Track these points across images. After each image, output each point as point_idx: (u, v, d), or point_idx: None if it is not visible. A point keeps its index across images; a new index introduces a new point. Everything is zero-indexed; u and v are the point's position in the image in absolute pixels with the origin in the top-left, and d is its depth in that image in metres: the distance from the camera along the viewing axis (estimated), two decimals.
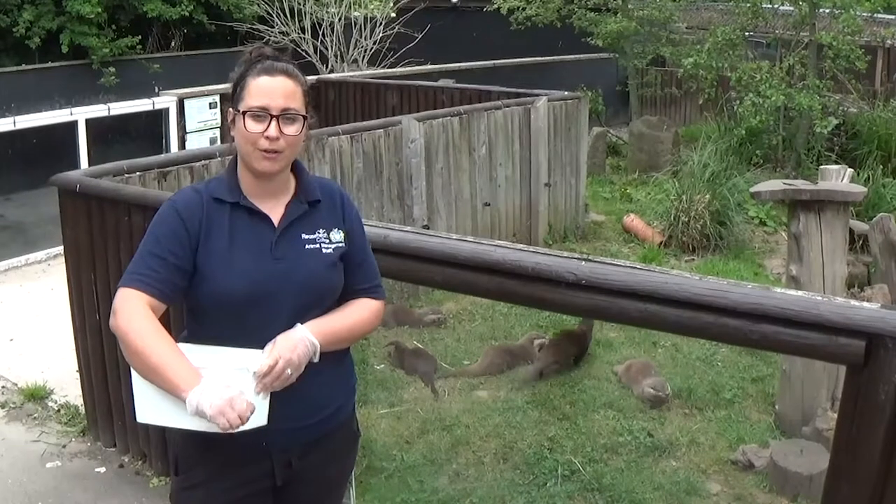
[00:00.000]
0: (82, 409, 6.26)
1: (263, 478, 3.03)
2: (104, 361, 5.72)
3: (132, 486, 5.59)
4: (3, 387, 6.95)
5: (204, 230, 2.90)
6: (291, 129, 2.88)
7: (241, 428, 2.68)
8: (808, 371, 6.31)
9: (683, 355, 7.85)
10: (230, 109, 2.95)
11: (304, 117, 2.92)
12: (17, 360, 7.44)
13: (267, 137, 2.83)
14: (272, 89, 2.85)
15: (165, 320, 2.87)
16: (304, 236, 2.98)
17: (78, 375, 6.11)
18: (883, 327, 2.81)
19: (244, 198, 2.95)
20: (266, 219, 2.95)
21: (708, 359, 7.76)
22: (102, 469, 5.79)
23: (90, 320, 5.73)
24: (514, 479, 5.87)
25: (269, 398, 2.80)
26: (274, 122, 2.84)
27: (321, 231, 3.01)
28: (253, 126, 2.84)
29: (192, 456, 2.96)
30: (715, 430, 6.54)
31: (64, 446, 6.07)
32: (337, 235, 3.03)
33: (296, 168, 3.05)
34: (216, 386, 2.66)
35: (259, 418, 2.77)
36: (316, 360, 2.89)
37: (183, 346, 2.83)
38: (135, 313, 2.79)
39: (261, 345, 2.83)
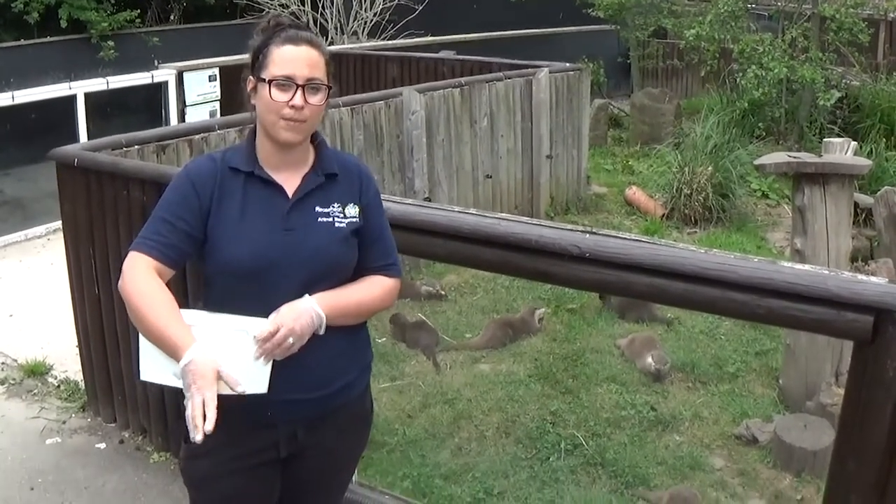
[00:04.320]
0: (82, 385, 6.24)
1: (269, 449, 3.03)
2: (103, 336, 5.69)
3: (132, 461, 5.57)
4: (2, 363, 6.93)
5: (216, 199, 2.90)
6: (315, 99, 2.87)
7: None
8: (811, 345, 6.30)
9: (687, 329, 7.83)
10: (250, 77, 2.93)
11: (328, 87, 2.92)
12: (17, 335, 7.42)
13: (292, 107, 2.82)
14: (297, 58, 2.84)
15: (184, 290, 2.84)
16: (318, 209, 2.96)
17: (77, 351, 6.08)
18: (891, 302, 2.77)
19: (259, 168, 2.94)
20: (280, 189, 2.94)
21: (711, 332, 7.74)
22: (103, 445, 5.77)
23: (89, 295, 5.69)
24: (516, 453, 5.87)
25: (269, 366, 2.79)
26: (299, 92, 2.83)
27: (336, 205, 2.98)
28: (278, 95, 2.82)
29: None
30: (718, 404, 6.54)
31: (64, 422, 6.05)
32: (352, 210, 3.01)
33: (316, 140, 3.04)
34: (208, 366, 2.65)
35: (259, 385, 2.77)
36: (321, 332, 2.88)
37: (187, 311, 2.84)
38: (140, 277, 2.80)
39: (269, 315, 2.82)
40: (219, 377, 2.67)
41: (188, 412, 2.61)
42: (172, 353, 2.70)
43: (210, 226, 2.88)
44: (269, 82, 2.83)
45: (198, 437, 2.57)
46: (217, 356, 2.69)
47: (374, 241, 3.08)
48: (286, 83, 2.82)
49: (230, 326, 2.80)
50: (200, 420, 2.58)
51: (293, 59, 2.84)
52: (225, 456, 2.99)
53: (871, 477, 2.90)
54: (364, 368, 3.22)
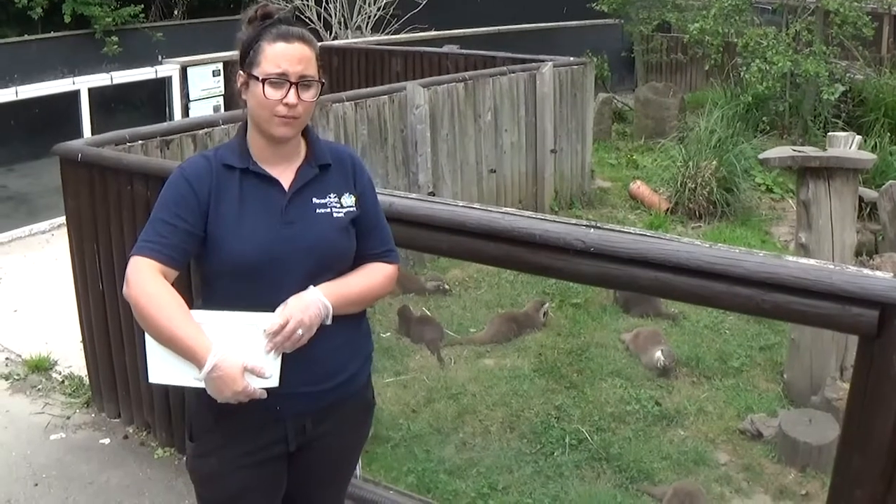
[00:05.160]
0: (86, 380, 6.24)
1: (277, 443, 3.04)
2: (108, 331, 5.69)
3: (136, 456, 5.57)
4: (7, 358, 6.92)
5: (214, 196, 2.89)
6: (308, 95, 2.86)
7: (257, 386, 2.74)
8: (816, 340, 6.29)
9: (691, 323, 7.82)
10: (240, 72, 2.92)
11: (321, 83, 2.91)
12: (21, 331, 7.42)
13: (286, 104, 2.82)
14: (290, 56, 2.83)
15: (188, 288, 2.85)
16: (315, 200, 2.96)
17: (82, 346, 6.08)
18: None
19: (254, 163, 2.94)
20: (276, 183, 2.94)
21: (715, 327, 7.74)
22: (107, 440, 5.77)
23: (93, 290, 5.69)
24: (520, 448, 5.87)
25: (280, 360, 2.81)
26: (293, 89, 2.82)
27: (332, 195, 2.99)
28: (272, 93, 2.82)
29: (207, 422, 2.98)
30: (723, 398, 6.53)
31: (68, 418, 6.05)
32: (348, 200, 3.01)
33: (307, 133, 3.04)
34: (235, 368, 2.72)
35: (270, 380, 2.79)
36: (328, 322, 2.89)
37: (196, 312, 2.84)
38: (146, 281, 2.79)
39: (273, 309, 2.83)
40: (244, 371, 2.72)
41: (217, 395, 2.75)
42: (190, 357, 2.72)
43: (209, 223, 2.88)
44: (263, 81, 2.82)
45: (276, 382, 2.81)
46: (236, 352, 2.72)
47: (370, 228, 3.09)
48: (279, 81, 2.82)
49: (239, 322, 2.80)
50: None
51: (286, 56, 2.83)
52: (234, 453, 3.01)
53: (877, 472, 2.89)
54: (366, 358, 3.23)
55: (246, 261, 2.86)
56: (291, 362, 2.83)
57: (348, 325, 3.03)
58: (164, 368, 2.80)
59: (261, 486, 3.10)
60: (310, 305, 2.84)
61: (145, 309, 2.75)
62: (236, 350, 2.73)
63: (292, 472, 3.17)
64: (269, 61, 2.82)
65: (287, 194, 2.93)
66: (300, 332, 2.80)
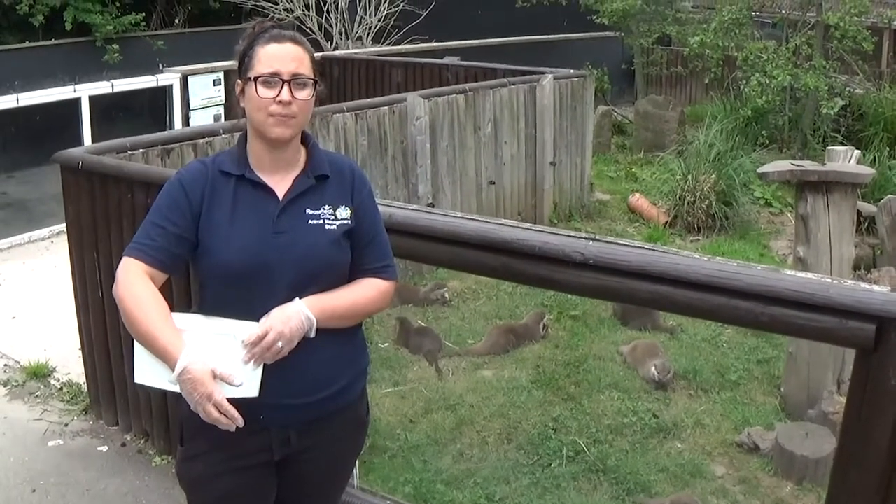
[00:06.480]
0: (85, 388, 6.24)
1: (262, 452, 3.03)
2: (107, 339, 5.69)
3: (134, 464, 5.57)
4: (5, 365, 6.93)
5: (206, 202, 2.91)
6: (303, 94, 2.87)
7: (232, 395, 2.72)
8: (814, 353, 6.30)
9: (689, 336, 7.83)
10: (238, 80, 2.94)
11: (315, 81, 2.92)
12: (20, 337, 7.42)
13: (280, 102, 2.83)
14: (282, 55, 2.85)
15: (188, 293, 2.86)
16: (309, 211, 2.96)
17: (80, 353, 6.08)
18: (894, 311, 2.76)
19: (250, 170, 2.95)
20: (270, 192, 2.94)
21: (713, 340, 7.75)
22: (105, 448, 5.77)
23: (93, 298, 5.70)
24: (518, 459, 5.87)
25: (260, 370, 2.80)
26: (286, 87, 2.83)
27: (327, 207, 2.98)
28: (265, 92, 2.83)
29: (195, 426, 2.94)
30: (720, 411, 6.54)
31: (66, 425, 6.05)
32: (343, 212, 3.00)
33: (307, 142, 3.05)
34: (203, 371, 2.70)
35: (249, 389, 2.78)
36: (312, 335, 2.87)
37: (179, 315, 2.86)
38: (131, 281, 2.83)
39: (260, 318, 2.82)
40: (214, 377, 2.70)
41: (204, 417, 2.70)
42: (164, 358, 2.73)
43: (201, 229, 2.90)
44: (255, 80, 2.84)
45: (232, 428, 2.71)
46: (208, 358, 2.72)
47: (367, 243, 3.07)
48: (272, 80, 2.83)
49: (220, 330, 2.81)
50: (226, 420, 2.70)
51: (278, 55, 2.85)
52: (218, 458, 3.01)
53: (873, 485, 2.90)
54: (359, 373, 3.20)
55: (234, 267, 2.87)
56: (275, 373, 2.83)
57: (338, 339, 3.01)
58: (147, 371, 2.82)
59: (246, 492, 3.09)
60: (292, 317, 2.83)
61: (127, 308, 2.79)
62: (209, 355, 2.72)
63: (283, 482, 3.17)
64: (262, 63, 2.85)
65: (280, 203, 2.94)
66: (280, 343, 2.79)
